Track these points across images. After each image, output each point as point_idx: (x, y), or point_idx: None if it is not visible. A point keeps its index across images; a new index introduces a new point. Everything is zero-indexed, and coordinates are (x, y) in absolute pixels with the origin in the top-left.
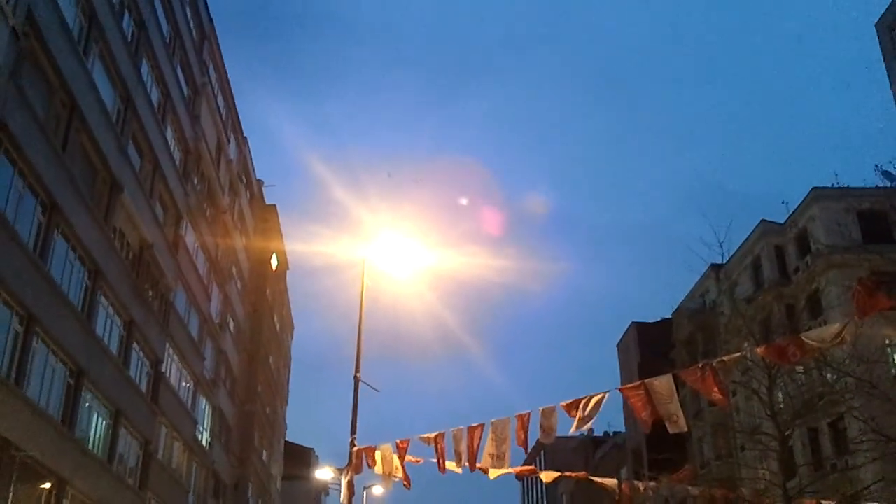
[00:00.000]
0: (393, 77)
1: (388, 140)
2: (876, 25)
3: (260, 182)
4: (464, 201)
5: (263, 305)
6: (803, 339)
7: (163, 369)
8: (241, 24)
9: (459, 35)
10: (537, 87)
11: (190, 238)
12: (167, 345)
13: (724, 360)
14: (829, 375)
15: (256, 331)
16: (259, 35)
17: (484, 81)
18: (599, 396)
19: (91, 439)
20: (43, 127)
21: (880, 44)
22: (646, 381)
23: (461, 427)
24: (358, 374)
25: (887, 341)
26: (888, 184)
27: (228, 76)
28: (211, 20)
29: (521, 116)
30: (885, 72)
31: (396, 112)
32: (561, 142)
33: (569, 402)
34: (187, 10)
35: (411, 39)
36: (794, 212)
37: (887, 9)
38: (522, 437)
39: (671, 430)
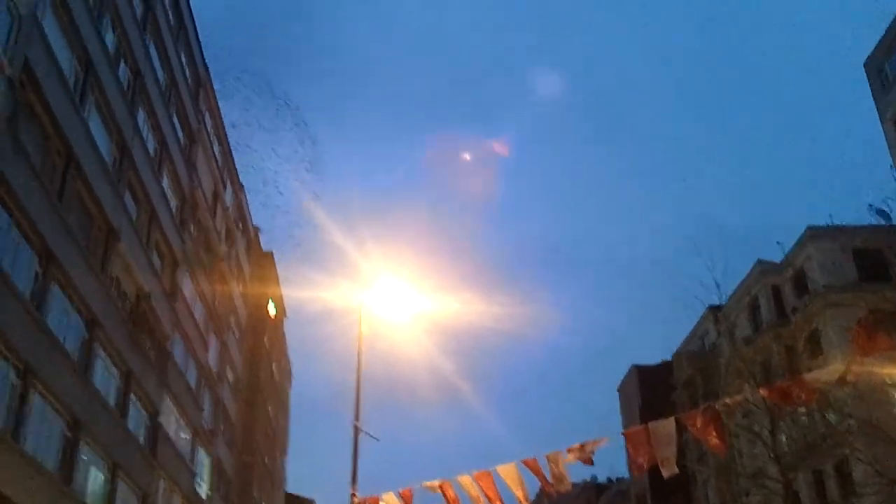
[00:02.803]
0: (390, 120)
1: (384, 184)
2: (864, 65)
3: (256, 229)
4: (460, 245)
5: (261, 353)
6: (805, 379)
7: (161, 420)
8: (237, 68)
9: (460, 80)
10: (536, 130)
11: (187, 286)
12: (165, 395)
13: (726, 403)
14: (831, 417)
15: (254, 379)
16: (256, 78)
17: (483, 123)
18: (603, 441)
19: (89, 493)
20: (39, 176)
21: (869, 83)
22: (649, 424)
23: (466, 474)
24: (357, 423)
25: (888, 381)
26: (882, 222)
27: (224, 123)
28: (206, 68)
29: (520, 159)
30: (876, 110)
31: (393, 156)
32: (559, 183)
33: (573, 447)
34: (183, 57)
35: (410, 84)
36: (789, 251)
37: (874, 49)
38: (540, 482)
39: (664, 473)
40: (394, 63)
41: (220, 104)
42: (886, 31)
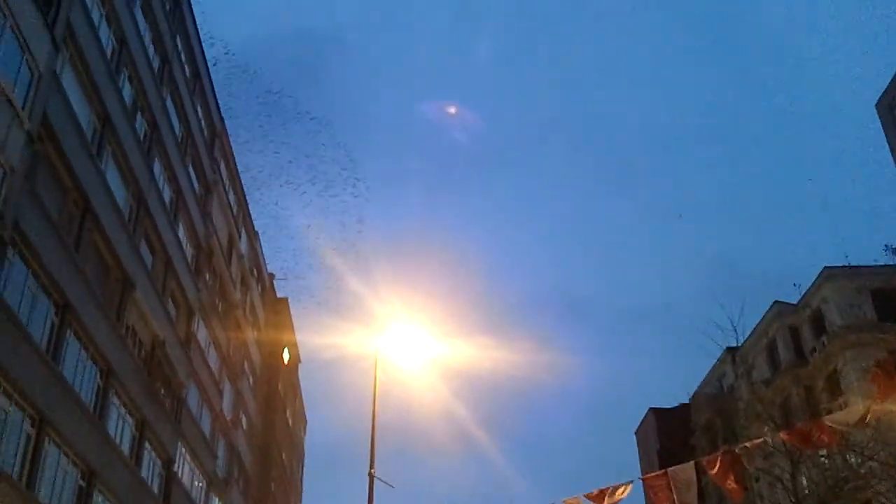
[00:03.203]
0: (404, 168)
1: (399, 230)
2: (876, 106)
3: (271, 276)
4: (476, 290)
5: (276, 400)
6: (826, 422)
7: (175, 469)
8: (254, 116)
9: (470, 126)
10: (548, 175)
11: (202, 334)
12: (179, 444)
13: (746, 447)
14: (852, 459)
15: (269, 427)
16: (272, 126)
17: (495, 171)
18: (623, 486)
19: None
20: (56, 227)
21: (882, 123)
22: (669, 469)
23: None
24: (372, 470)
25: None
26: None
27: (239, 171)
28: (222, 118)
29: (533, 203)
30: (889, 150)
31: (408, 203)
32: (573, 228)
33: (593, 492)
34: (199, 109)
35: (423, 131)
36: (806, 292)
37: (886, 89)
38: None
39: None
40: (414, 118)
41: (241, 149)
42: None
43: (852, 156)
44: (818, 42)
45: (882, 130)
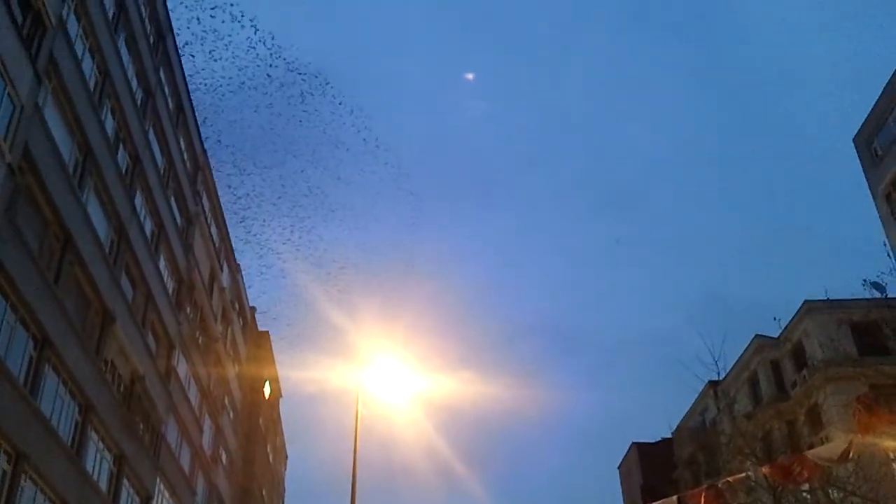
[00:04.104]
0: (389, 197)
1: (382, 263)
2: (854, 140)
3: (253, 309)
4: (460, 323)
5: (257, 436)
6: (808, 456)
7: None
8: (236, 149)
9: (455, 154)
10: (533, 207)
11: (182, 368)
12: (158, 480)
13: (729, 481)
14: (834, 494)
15: (249, 462)
16: (255, 161)
17: (481, 199)
18: None
19: None
20: (36, 260)
21: (859, 158)
22: None
23: None
24: None
25: (892, 455)
26: (878, 295)
27: (221, 203)
28: (204, 151)
29: (518, 235)
30: (867, 185)
31: (391, 235)
32: (558, 260)
33: None
34: (181, 141)
35: (407, 159)
36: (787, 326)
37: (863, 125)
38: None
39: None
40: (399, 147)
41: (231, 179)
42: (874, 107)
43: (832, 189)
44: (798, 77)
45: (860, 165)
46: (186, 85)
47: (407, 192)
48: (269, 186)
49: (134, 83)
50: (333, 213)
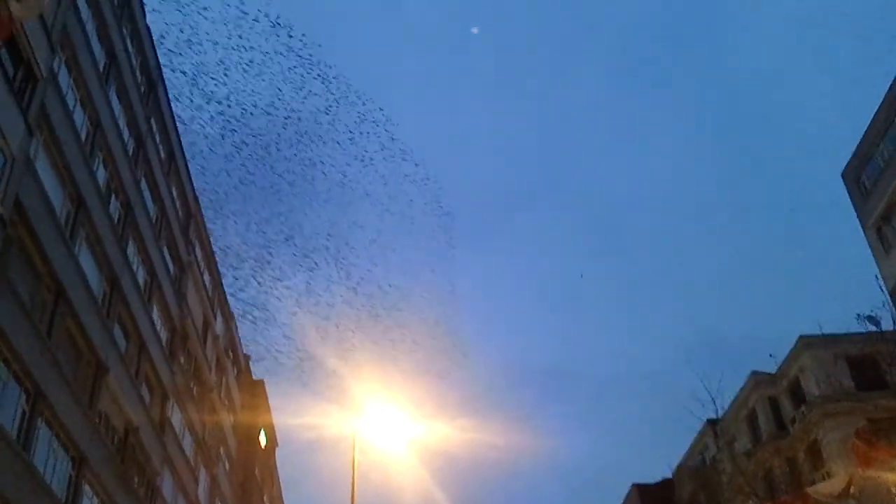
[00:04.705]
0: (386, 241)
1: (377, 307)
2: (842, 175)
3: (247, 357)
4: (455, 368)
5: (252, 486)
6: (809, 493)
7: None
8: (225, 196)
9: (453, 194)
10: (526, 247)
11: (176, 419)
12: None
13: None
14: None
15: None
16: (248, 204)
17: (477, 241)
18: None
19: None
20: (28, 313)
21: (848, 192)
22: None
23: None
24: None
25: (894, 489)
26: (873, 328)
27: (214, 252)
28: (196, 199)
29: (511, 275)
30: (857, 218)
31: (385, 278)
32: (552, 301)
33: None
34: (173, 189)
35: (404, 201)
36: (783, 361)
37: (850, 159)
38: None
39: None
40: (396, 189)
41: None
42: (860, 142)
43: (822, 223)
44: (786, 115)
45: (849, 200)
46: (178, 132)
47: (403, 232)
48: (260, 231)
49: (125, 132)
50: (333, 251)
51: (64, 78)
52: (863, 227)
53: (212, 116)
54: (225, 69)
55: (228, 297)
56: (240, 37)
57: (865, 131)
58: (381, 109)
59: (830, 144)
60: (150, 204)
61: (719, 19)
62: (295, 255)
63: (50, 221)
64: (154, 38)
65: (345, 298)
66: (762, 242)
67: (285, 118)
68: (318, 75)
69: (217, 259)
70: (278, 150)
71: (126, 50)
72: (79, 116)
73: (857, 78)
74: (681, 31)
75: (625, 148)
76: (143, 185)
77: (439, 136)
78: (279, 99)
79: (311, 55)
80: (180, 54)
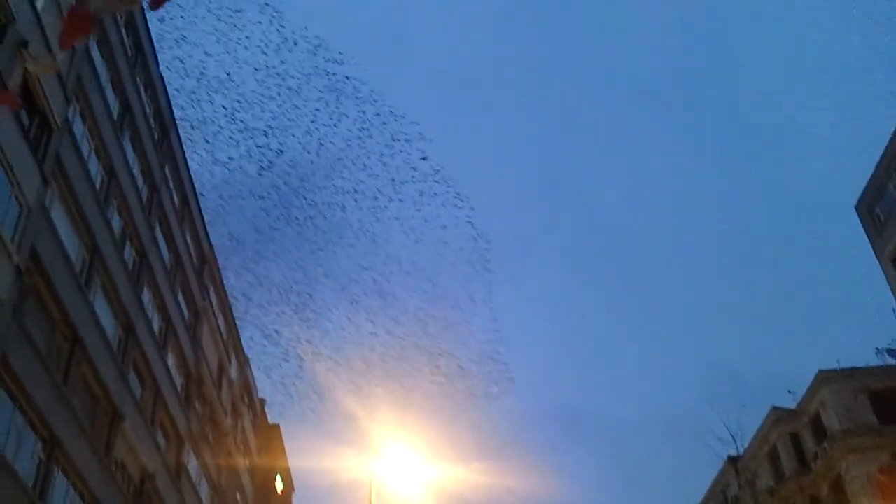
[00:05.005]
0: (398, 284)
1: (392, 348)
2: (856, 207)
3: (262, 401)
4: (472, 410)
5: None
6: None
7: None
8: (243, 239)
9: (464, 239)
10: (539, 288)
11: (192, 465)
12: None
13: None
14: None
15: None
16: (265, 249)
17: (490, 284)
18: None
19: None
20: (44, 361)
21: (862, 224)
22: None
23: None
24: None
25: None
26: (893, 361)
27: (228, 296)
28: (210, 244)
29: (525, 316)
30: (872, 250)
31: (401, 319)
32: (569, 343)
33: None
34: (187, 236)
35: (417, 247)
36: (803, 397)
37: (863, 191)
38: None
39: None
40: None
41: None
42: (873, 174)
43: (836, 256)
44: (798, 146)
45: (864, 232)
46: (191, 179)
47: (420, 276)
48: (278, 273)
49: (139, 180)
50: (347, 296)
51: (79, 127)
52: (878, 258)
53: (249, 151)
54: (262, 98)
55: (272, 336)
56: (281, 62)
57: (877, 164)
58: (416, 123)
59: (844, 174)
60: (164, 250)
61: (725, 51)
62: (334, 289)
63: (65, 269)
64: (192, 73)
65: (379, 336)
66: (775, 277)
67: (319, 144)
68: (353, 94)
69: (262, 297)
70: (313, 177)
71: (140, 98)
72: (93, 165)
73: (864, 111)
74: (690, 67)
75: (637, 187)
76: (158, 231)
77: (467, 151)
78: (312, 122)
79: (347, 76)
80: (219, 92)
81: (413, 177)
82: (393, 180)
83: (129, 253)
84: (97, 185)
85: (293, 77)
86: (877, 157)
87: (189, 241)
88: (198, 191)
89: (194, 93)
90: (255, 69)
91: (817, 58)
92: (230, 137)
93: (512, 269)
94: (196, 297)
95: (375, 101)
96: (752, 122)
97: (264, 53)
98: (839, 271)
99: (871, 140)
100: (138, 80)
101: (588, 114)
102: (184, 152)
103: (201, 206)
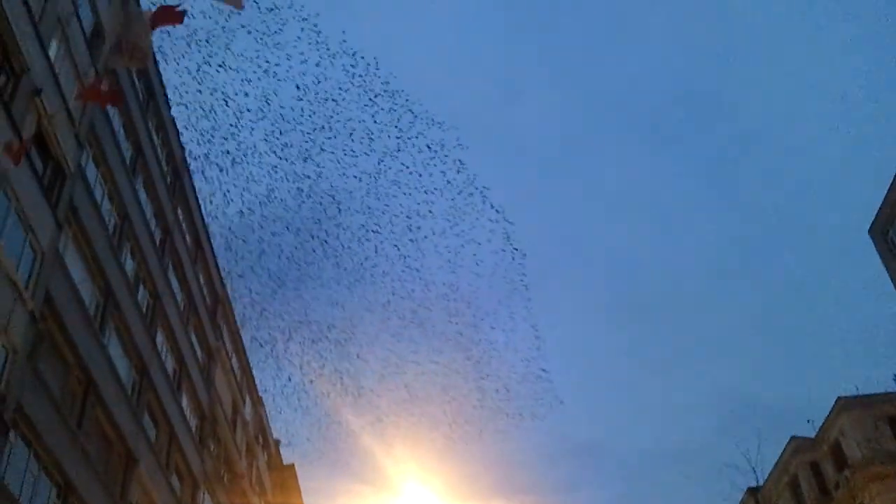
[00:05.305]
0: (437, 308)
1: (412, 383)
2: (869, 232)
3: (277, 441)
4: (489, 448)
5: None
6: None
7: None
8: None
9: (500, 254)
10: (559, 327)
11: None
12: None
13: None
14: None
15: None
16: (305, 286)
17: (500, 318)
18: None
19: None
20: (59, 406)
21: (877, 249)
22: None
23: None
24: None
25: None
26: None
27: (242, 337)
28: (223, 284)
29: (540, 348)
30: (887, 275)
31: (443, 348)
32: (586, 378)
33: None
34: (200, 276)
35: (451, 264)
36: (822, 425)
37: (876, 216)
38: None
39: None
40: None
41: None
42: (885, 198)
43: (851, 281)
44: (811, 173)
45: (878, 256)
46: (203, 220)
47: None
48: (289, 312)
49: (152, 223)
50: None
51: (91, 172)
52: (894, 284)
53: (287, 177)
54: (300, 118)
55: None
56: (319, 82)
57: (889, 187)
58: (455, 129)
59: (856, 200)
60: (177, 292)
61: (734, 76)
62: (373, 322)
63: (79, 313)
64: (231, 101)
65: (422, 365)
66: (789, 304)
67: (354, 163)
68: (388, 103)
69: (302, 333)
70: (349, 200)
71: (152, 142)
72: (106, 209)
73: (871, 136)
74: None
75: (649, 217)
76: (171, 273)
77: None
78: (350, 138)
79: (386, 85)
80: (264, 118)
81: (447, 188)
82: (426, 192)
83: (142, 295)
84: (110, 229)
85: (332, 93)
86: (888, 181)
87: (202, 282)
88: (236, 234)
89: (233, 125)
90: (298, 87)
91: (828, 80)
92: (273, 167)
93: (519, 307)
94: (210, 338)
95: (411, 106)
96: (755, 150)
97: (302, 75)
98: (855, 296)
99: (883, 164)
100: (150, 124)
101: (596, 149)
102: (196, 194)
103: (239, 249)
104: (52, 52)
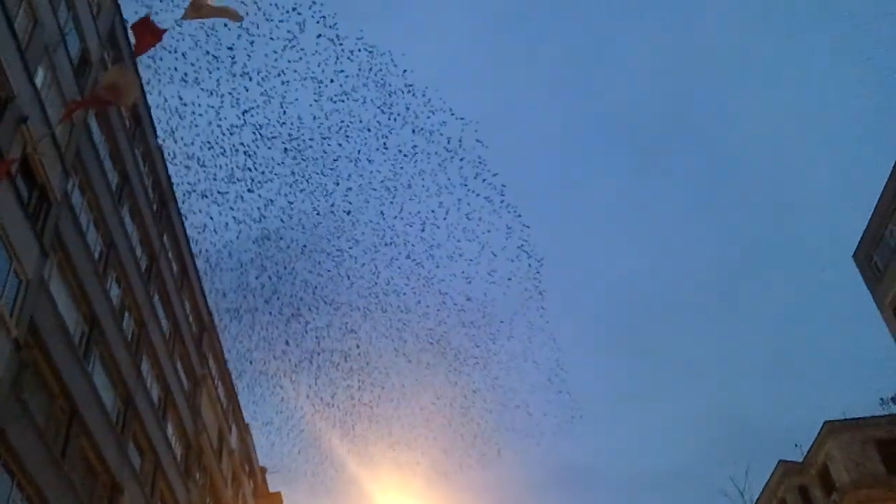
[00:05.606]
0: (454, 324)
1: (395, 407)
2: (853, 257)
3: (263, 469)
4: (477, 474)
5: None
6: None
7: None
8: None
9: (515, 261)
10: (542, 340)
11: None
12: None
13: None
14: None
15: None
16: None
17: (542, 310)
18: None
19: None
20: (42, 435)
21: (861, 274)
22: None
23: None
24: None
25: None
26: None
27: (227, 365)
28: (209, 312)
29: (530, 372)
30: (872, 300)
31: (462, 368)
32: (577, 400)
33: None
34: (186, 304)
35: (465, 274)
36: (810, 448)
37: (860, 241)
38: None
39: None
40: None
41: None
42: (869, 223)
43: (835, 305)
44: (796, 198)
45: (863, 281)
46: (190, 247)
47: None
48: (278, 338)
49: (138, 250)
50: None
51: (77, 199)
52: (879, 308)
53: (305, 193)
54: (318, 126)
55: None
56: (340, 85)
57: (873, 212)
58: (476, 122)
59: (841, 225)
60: (163, 319)
61: (720, 102)
62: (387, 347)
63: (64, 341)
64: (244, 108)
65: (440, 387)
66: (775, 329)
67: (369, 169)
68: (403, 101)
69: (324, 360)
70: (364, 213)
71: (138, 169)
72: (92, 237)
73: (859, 161)
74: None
75: (635, 243)
76: (157, 300)
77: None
78: (364, 145)
79: (405, 83)
80: (273, 135)
81: (462, 189)
82: (440, 195)
83: (127, 323)
84: (96, 256)
85: (349, 93)
86: (872, 206)
87: (188, 309)
88: (254, 259)
89: (255, 141)
90: (314, 96)
91: (812, 105)
92: (289, 185)
93: (504, 334)
94: (195, 365)
95: (428, 101)
96: (751, 180)
97: (319, 82)
98: (841, 320)
99: (867, 188)
100: (136, 151)
101: (587, 174)
102: (182, 221)
103: (255, 276)
104: (38, 80)
